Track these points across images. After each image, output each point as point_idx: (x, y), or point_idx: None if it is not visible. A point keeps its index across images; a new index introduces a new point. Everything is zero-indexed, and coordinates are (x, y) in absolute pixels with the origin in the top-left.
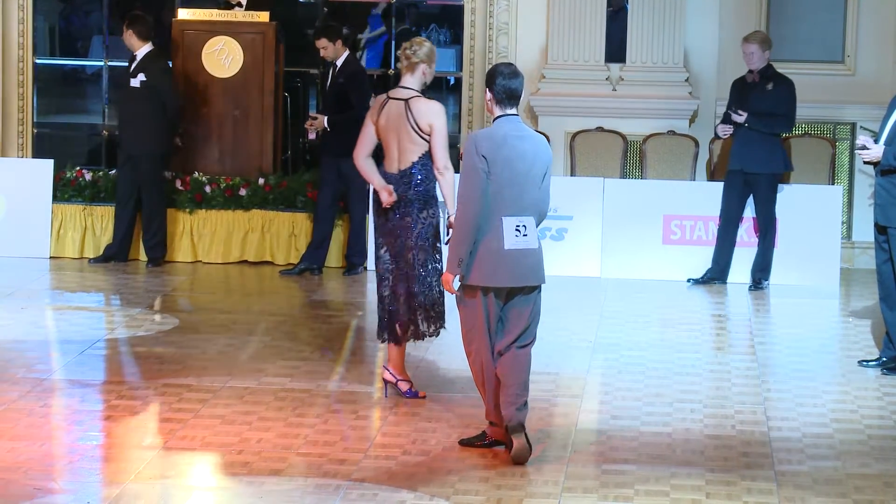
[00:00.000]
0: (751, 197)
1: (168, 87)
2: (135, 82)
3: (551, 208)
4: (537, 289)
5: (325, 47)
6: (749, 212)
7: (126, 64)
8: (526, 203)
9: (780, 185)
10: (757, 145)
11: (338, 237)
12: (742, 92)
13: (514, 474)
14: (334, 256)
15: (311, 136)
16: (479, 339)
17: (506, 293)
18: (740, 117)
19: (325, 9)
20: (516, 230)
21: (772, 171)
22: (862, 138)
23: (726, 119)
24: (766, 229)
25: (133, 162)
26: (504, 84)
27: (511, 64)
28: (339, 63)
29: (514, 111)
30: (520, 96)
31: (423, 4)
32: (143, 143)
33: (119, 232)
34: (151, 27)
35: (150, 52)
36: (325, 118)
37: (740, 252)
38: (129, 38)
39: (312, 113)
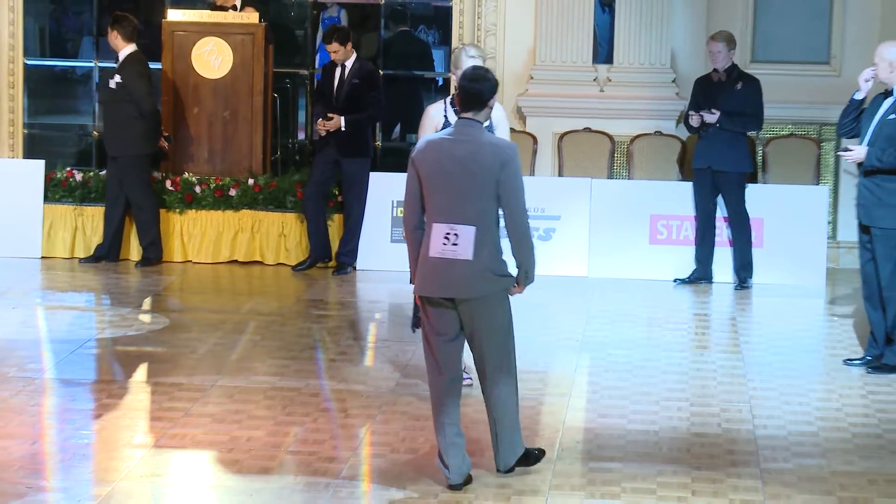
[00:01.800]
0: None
1: (141, 89)
2: (112, 83)
3: (538, 208)
4: (481, 303)
5: (337, 51)
6: (722, 211)
7: (113, 64)
8: (462, 211)
9: (748, 184)
10: (725, 144)
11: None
12: (708, 91)
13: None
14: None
15: (322, 134)
16: (425, 350)
17: (455, 306)
18: (712, 116)
19: (315, 11)
20: (445, 237)
21: (740, 171)
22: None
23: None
24: (740, 227)
25: (116, 163)
26: (462, 85)
27: (481, 68)
28: (347, 64)
29: (471, 114)
30: (483, 101)
31: (412, 5)
32: (122, 145)
33: (108, 232)
34: (136, 28)
35: (130, 53)
36: (343, 119)
37: (726, 252)
38: (114, 38)
39: (330, 113)
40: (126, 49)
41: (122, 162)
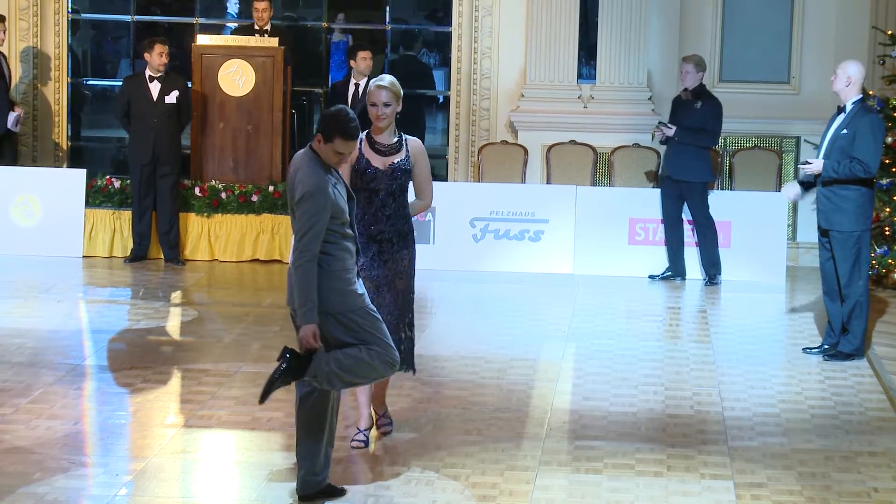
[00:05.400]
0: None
1: (190, 103)
2: (170, 99)
3: (529, 213)
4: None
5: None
6: (688, 215)
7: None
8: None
9: (711, 191)
10: (688, 156)
11: None
12: (677, 108)
13: (496, 450)
14: None
15: None
16: None
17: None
18: (670, 130)
19: (329, 35)
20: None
21: (701, 180)
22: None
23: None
24: (704, 230)
25: (156, 170)
26: None
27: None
28: (361, 84)
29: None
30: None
31: (417, 30)
32: (174, 154)
33: (147, 234)
34: None
35: (170, 72)
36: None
37: (695, 251)
38: (163, 58)
39: None
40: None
41: (170, 170)
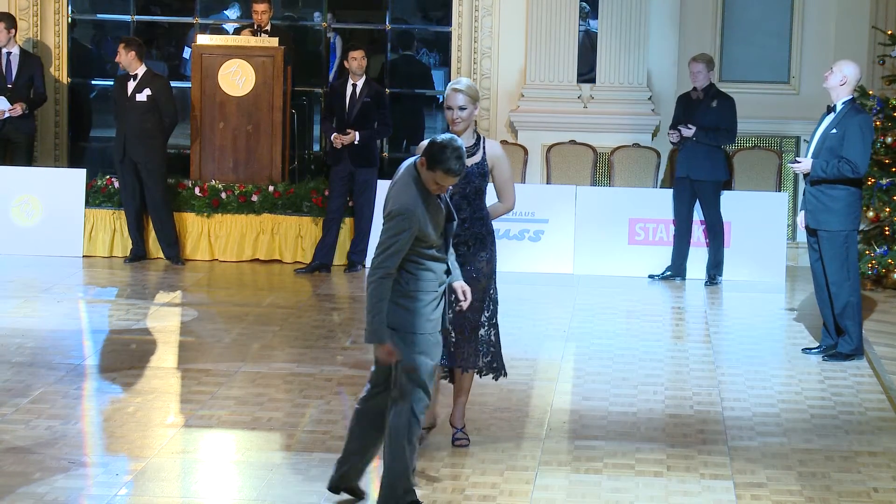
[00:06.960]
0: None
1: (172, 102)
2: (141, 97)
3: (529, 213)
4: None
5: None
6: (699, 215)
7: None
8: None
9: (723, 191)
10: (702, 156)
11: (340, 238)
12: (688, 107)
13: (496, 450)
14: (337, 255)
15: (338, 147)
16: None
17: None
18: (689, 131)
19: (328, 35)
20: None
21: (715, 179)
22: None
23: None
24: (715, 230)
25: (137, 169)
26: None
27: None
28: (358, 84)
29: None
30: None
31: (416, 29)
32: (149, 152)
33: (140, 233)
34: (145, 50)
35: (147, 70)
36: (357, 133)
37: (697, 251)
38: (131, 59)
39: (349, 130)
40: (142, 67)
41: (151, 168)
